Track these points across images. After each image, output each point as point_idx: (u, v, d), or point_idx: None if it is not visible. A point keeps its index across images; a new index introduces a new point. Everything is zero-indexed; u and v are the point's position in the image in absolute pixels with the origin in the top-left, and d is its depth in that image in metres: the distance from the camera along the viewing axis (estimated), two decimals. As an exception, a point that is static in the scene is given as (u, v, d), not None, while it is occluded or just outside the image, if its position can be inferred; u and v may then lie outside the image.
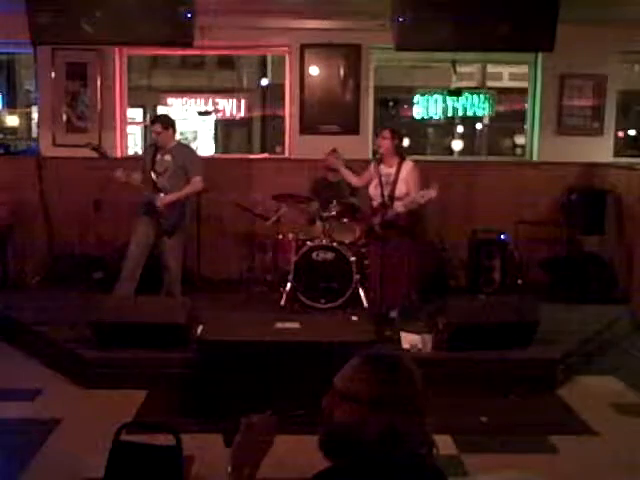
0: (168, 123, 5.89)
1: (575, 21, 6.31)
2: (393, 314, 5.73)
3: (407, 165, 5.62)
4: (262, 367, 4.41)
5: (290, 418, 1.68)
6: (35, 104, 9.38)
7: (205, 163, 6.17)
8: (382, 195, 5.58)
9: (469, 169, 7.64)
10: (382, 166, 5.69)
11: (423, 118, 8.69)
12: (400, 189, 5.55)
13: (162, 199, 5.73)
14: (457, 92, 8.08)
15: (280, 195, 6.57)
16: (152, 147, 5.94)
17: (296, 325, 4.80)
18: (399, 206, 5.47)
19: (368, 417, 1.53)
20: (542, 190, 7.42)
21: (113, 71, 7.48)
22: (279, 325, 4.77)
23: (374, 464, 1.52)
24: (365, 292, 6.09)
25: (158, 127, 5.81)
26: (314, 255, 6.17)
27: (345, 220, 6.39)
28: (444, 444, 4.09)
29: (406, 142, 12.53)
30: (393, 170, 5.61)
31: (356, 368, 1.61)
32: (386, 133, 5.71)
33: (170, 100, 12.45)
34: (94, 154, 6.33)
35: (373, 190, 5.71)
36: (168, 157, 5.84)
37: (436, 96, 8.35)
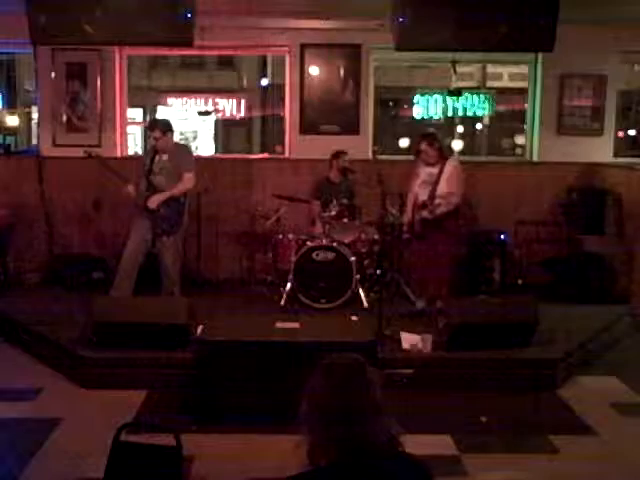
0: (167, 127, 5.93)
1: (575, 21, 6.31)
2: (420, 304, 5.85)
3: (450, 164, 5.79)
4: (262, 367, 4.41)
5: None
6: (35, 104, 9.38)
7: (205, 163, 6.17)
8: (429, 193, 5.74)
9: (469, 169, 7.59)
10: (428, 167, 5.85)
11: (423, 118, 8.69)
12: (442, 188, 5.70)
13: (152, 200, 5.77)
14: (457, 92, 8.06)
15: (280, 195, 6.57)
16: (152, 150, 5.96)
17: (296, 325, 4.79)
18: (424, 213, 5.70)
19: (319, 425, 1.61)
20: (542, 190, 7.42)
21: (113, 71, 7.47)
22: (279, 325, 4.76)
23: (351, 464, 1.57)
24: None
25: (157, 133, 5.85)
26: (314, 255, 6.18)
27: (345, 220, 6.39)
28: (444, 444, 4.10)
29: (406, 142, 12.61)
30: (436, 170, 5.77)
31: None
32: (424, 145, 5.79)
33: (170, 100, 12.45)
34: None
35: (418, 189, 5.87)
36: (165, 157, 5.90)
37: (436, 96, 8.35)
